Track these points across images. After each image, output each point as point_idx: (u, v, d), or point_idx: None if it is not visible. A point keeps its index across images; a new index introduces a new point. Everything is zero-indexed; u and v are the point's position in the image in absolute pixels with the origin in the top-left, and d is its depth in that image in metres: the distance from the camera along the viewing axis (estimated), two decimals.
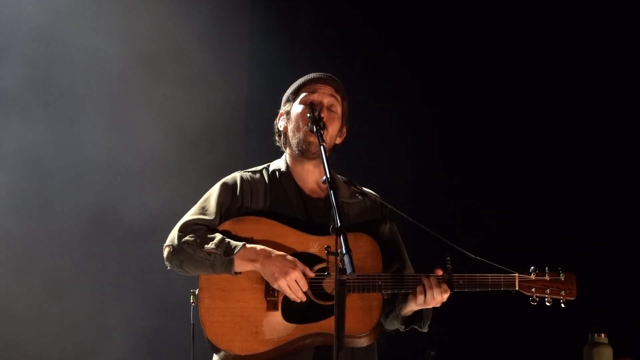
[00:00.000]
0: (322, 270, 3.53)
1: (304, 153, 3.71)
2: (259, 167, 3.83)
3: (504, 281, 3.61)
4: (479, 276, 3.60)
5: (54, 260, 5.79)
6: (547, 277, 3.63)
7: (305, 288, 3.51)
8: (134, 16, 6.00)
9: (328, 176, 3.34)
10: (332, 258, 3.11)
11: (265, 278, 3.52)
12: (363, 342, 3.56)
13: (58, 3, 5.86)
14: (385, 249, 3.65)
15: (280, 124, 3.83)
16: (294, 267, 3.48)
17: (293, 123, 3.74)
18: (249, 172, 3.79)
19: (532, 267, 3.64)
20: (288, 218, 3.64)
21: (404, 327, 3.73)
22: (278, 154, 3.88)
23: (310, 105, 3.66)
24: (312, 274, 3.53)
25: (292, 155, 3.78)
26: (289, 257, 3.51)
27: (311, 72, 3.82)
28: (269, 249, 3.53)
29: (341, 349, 3.02)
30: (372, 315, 3.55)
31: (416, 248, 3.85)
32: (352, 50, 6.13)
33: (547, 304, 3.63)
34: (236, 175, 3.76)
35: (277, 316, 3.53)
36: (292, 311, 3.53)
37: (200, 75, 6.10)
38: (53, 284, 5.77)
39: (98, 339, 5.84)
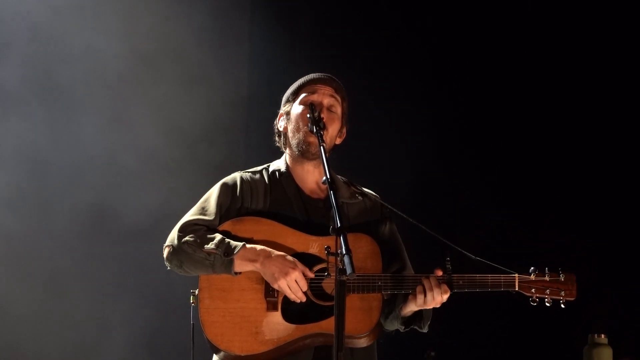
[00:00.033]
0: (322, 270, 3.53)
1: (303, 153, 3.71)
2: (259, 168, 3.83)
3: (503, 282, 3.61)
4: (479, 277, 3.59)
5: (53, 259, 5.79)
6: (546, 278, 3.63)
7: (305, 288, 3.51)
8: (134, 15, 5.99)
9: (328, 177, 3.34)
10: (332, 258, 3.11)
11: (265, 278, 3.52)
12: (363, 342, 3.56)
13: (58, 2, 5.86)
14: (385, 249, 3.65)
15: (280, 124, 3.83)
16: (294, 268, 3.48)
17: (293, 123, 3.74)
18: (248, 172, 3.79)
19: (532, 268, 3.64)
20: (288, 218, 3.63)
21: (403, 327, 3.73)
22: (278, 154, 3.88)
23: (310, 106, 3.65)
24: (311, 275, 3.53)
25: (292, 156, 3.78)
26: (289, 257, 3.51)
27: (311, 72, 3.82)
28: (269, 249, 3.53)
29: (341, 350, 3.02)
30: (372, 316, 3.55)
31: (416, 248, 3.85)
32: (352, 50, 6.13)
33: (547, 304, 3.63)
34: (236, 176, 3.76)
35: (276, 316, 3.53)
36: (292, 311, 3.53)
37: (200, 75, 6.10)
38: (53, 283, 5.77)
39: (98, 339, 5.84)
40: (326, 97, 3.74)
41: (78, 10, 5.91)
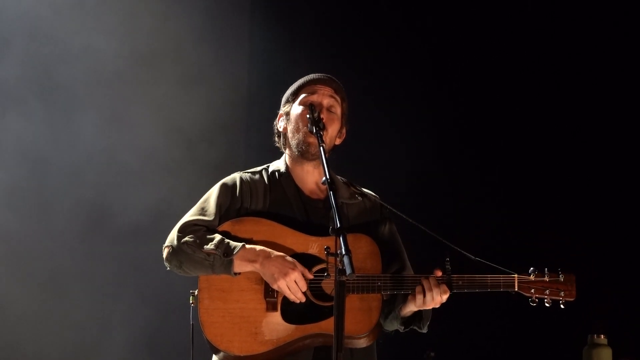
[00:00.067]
0: (322, 271, 3.53)
1: (303, 154, 3.71)
2: (259, 168, 3.82)
3: (503, 282, 3.61)
4: (478, 277, 3.59)
5: (53, 259, 5.79)
6: (546, 278, 3.62)
7: (304, 289, 3.51)
8: (134, 15, 5.99)
9: (327, 177, 3.35)
10: (331, 259, 3.11)
11: (265, 279, 3.52)
12: (362, 342, 3.56)
13: (58, 1, 5.86)
14: (385, 249, 3.65)
15: (280, 124, 3.83)
16: (294, 268, 3.48)
17: (293, 124, 3.74)
18: (248, 172, 3.79)
19: (532, 268, 3.64)
20: (287, 219, 3.63)
21: (403, 327, 3.73)
22: (277, 154, 3.88)
23: (309, 106, 3.65)
24: (311, 275, 3.53)
25: (291, 156, 3.78)
26: (289, 257, 3.51)
27: (311, 73, 3.82)
28: (269, 249, 3.53)
29: (340, 350, 3.02)
30: (372, 316, 3.54)
31: (416, 249, 3.85)
32: (352, 50, 6.13)
33: (547, 304, 3.63)
34: (236, 176, 3.76)
35: (276, 317, 3.53)
36: (292, 312, 3.53)
37: (200, 75, 6.10)
38: (53, 283, 5.77)
39: (98, 339, 5.84)
40: (326, 98, 3.74)
41: (78, 9, 5.91)
